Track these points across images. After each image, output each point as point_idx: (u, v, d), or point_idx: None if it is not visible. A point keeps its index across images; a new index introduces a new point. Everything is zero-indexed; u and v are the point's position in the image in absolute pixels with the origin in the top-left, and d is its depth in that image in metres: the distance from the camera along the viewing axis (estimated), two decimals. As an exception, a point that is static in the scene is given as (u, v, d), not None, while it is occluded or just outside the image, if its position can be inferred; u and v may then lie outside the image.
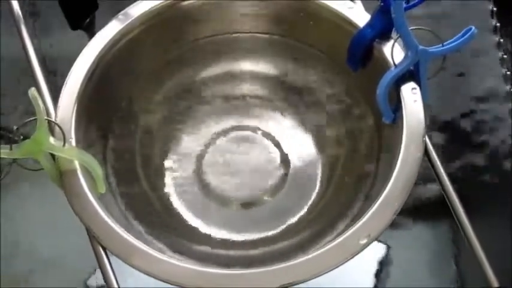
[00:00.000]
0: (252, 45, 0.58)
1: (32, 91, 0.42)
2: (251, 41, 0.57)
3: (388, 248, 0.60)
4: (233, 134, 0.57)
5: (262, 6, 0.56)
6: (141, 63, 0.55)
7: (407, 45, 0.47)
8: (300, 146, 0.56)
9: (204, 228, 0.53)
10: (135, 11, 0.53)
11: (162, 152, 0.56)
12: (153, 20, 0.54)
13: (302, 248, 0.49)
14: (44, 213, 0.61)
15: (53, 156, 0.45)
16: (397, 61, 0.48)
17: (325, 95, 0.57)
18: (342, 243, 0.43)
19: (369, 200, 0.48)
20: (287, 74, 0.58)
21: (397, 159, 0.45)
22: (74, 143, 0.47)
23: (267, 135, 0.57)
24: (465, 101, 0.67)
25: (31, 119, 0.43)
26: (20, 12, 0.55)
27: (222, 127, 0.57)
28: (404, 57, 0.47)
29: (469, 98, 0.67)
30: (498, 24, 0.70)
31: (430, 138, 0.48)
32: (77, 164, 0.46)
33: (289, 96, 0.58)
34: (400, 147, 0.46)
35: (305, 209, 0.53)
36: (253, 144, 0.57)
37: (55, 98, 0.49)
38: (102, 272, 0.44)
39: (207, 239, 0.52)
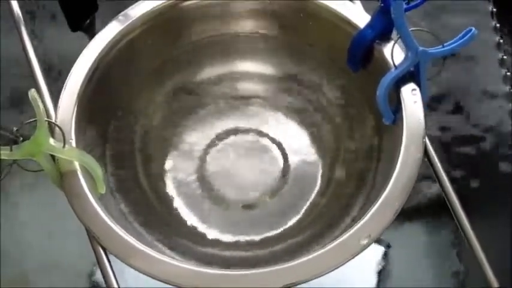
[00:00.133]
0: (253, 46, 0.58)
1: (32, 92, 0.42)
2: (252, 41, 0.57)
3: (389, 248, 0.60)
4: (233, 134, 0.57)
5: (262, 7, 0.56)
6: (141, 64, 0.55)
7: (407, 46, 0.47)
8: (300, 146, 0.56)
9: (204, 228, 0.53)
10: (135, 12, 0.53)
11: (162, 152, 0.56)
12: (153, 21, 0.54)
13: (303, 248, 0.49)
14: (44, 214, 0.61)
15: (53, 157, 0.45)
16: (397, 62, 0.48)
17: (325, 95, 0.57)
18: (342, 244, 0.43)
19: (369, 200, 0.48)
20: (287, 74, 0.58)
21: (397, 160, 0.45)
22: (74, 144, 0.47)
23: (267, 135, 0.57)
24: (465, 102, 0.67)
25: (31, 120, 0.43)
26: (19, 13, 0.55)
27: (223, 127, 0.57)
28: (405, 58, 0.48)
29: (469, 98, 0.67)
30: (498, 25, 0.70)
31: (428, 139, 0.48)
32: (77, 164, 0.46)
33: (289, 96, 0.58)
34: (400, 148, 0.46)
35: (305, 210, 0.53)
36: (254, 144, 0.57)
37: (55, 99, 0.49)
38: (102, 273, 0.44)
39: (207, 240, 0.52)
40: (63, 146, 0.45)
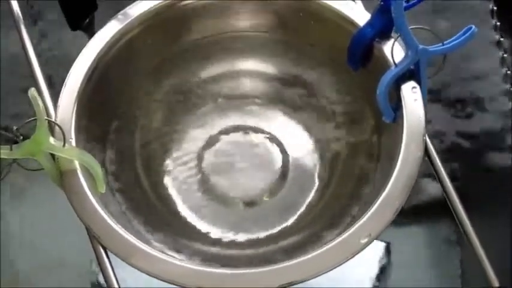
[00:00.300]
0: (252, 45, 0.58)
1: (32, 91, 0.42)
2: (251, 41, 0.57)
3: (389, 247, 0.60)
4: (233, 133, 0.57)
5: (262, 6, 0.56)
6: (140, 63, 0.55)
7: (407, 45, 0.47)
8: (300, 145, 0.56)
9: (204, 227, 0.53)
10: (134, 11, 0.53)
11: (162, 151, 0.56)
12: (153, 20, 0.54)
13: (302, 247, 0.49)
14: (45, 213, 0.61)
15: (53, 156, 0.45)
16: (397, 60, 0.48)
17: (326, 94, 0.57)
18: (342, 243, 0.43)
19: (369, 199, 0.48)
20: (287, 74, 0.58)
21: (398, 159, 0.45)
22: (74, 143, 0.47)
23: (267, 134, 0.57)
24: (465, 100, 0.67)
25: (31, 119, 0.43)
26: (19, 13, 0.55)
27: (222, 126, 0.57)
28: (405, 57, 0.48)
29: (468, 97, 0.67)
30: (498, 23, 0.70)
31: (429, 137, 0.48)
32: (77, 163, 0.46)
33: (289, 95, 0.58)
34: (401, 146, 0.46)
35: (305, 208, 0.53)
36: (254, 143, 0.57)
37: (55, 98, 0.49)
38: (102, 272, 0.44)
39: (207, 239, 0.52)
40: (63, 145, 0.45)
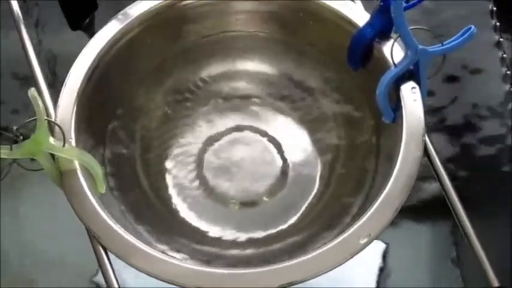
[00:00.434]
0: (252, 45, 0.58)
1: (32, 91, 0.42)
2: (251, 41, 0.57)
3: (388, 247, 0.60)
4: (233, 133, 0.57)
5: (261, 6, 0.56)
6: (140, 63, 0.55)
7: (406, 45, 0.47)
8: (299, 145, 0.56)
9: (204, 227, 0.53)
10: (134, 11, 0.53)
11: (162, 151, 0.56)
12: (153, 20, 0.54)
13: (302, 247, 0.49)
14: (44, 213, 0.61)
15: (52, 156, 0.45)
16: (396, 60, 0.48)
17: (325, 94, 0.57)
18: (342, 243, 0.43)
19: (369, 199, 0.48)
20: (287, 74, 0.58)
21: (397, 159, 0.45)
22: (73, 143, 0.47)
23: (267, 134, 0.57)
24: (464, 101, 0.67)
25: (31, 119, 0.43)
26: (19, 12, 0.55)
27: (222, 127, 0.57)
28: (404, 57, 0.48)
29: (468, 97, 0.67)
30: (498, 24, 0.70)
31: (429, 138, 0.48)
32: (76, 164, 0.46)
33: (289, 95, 0.58)
34: (400, 146, 0.46)
35: (305, 209, 0.53)
36: (253, 143, 0.57)
37: (55, 98, 0.49)
38: (102, 272, 0.44)
39: (206, 239, 0.52)
40: (63, 145, 0.45)
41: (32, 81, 0.51)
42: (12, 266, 0.59)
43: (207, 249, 0.51)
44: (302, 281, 0.42)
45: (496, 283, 0.43)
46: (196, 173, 0.55)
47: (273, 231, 0.53)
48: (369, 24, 0.50)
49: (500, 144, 0.64)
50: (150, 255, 0.43)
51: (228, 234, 0.53)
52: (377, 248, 0.59)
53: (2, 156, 0.43)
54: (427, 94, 0.49)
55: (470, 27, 0.46)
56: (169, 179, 0.55)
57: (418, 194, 0.61)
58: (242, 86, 0.59)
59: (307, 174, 0.55)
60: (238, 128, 0.57)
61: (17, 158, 0.43)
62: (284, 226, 0.53)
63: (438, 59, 0.48)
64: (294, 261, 0.42)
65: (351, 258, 0.42)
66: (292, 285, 0.42)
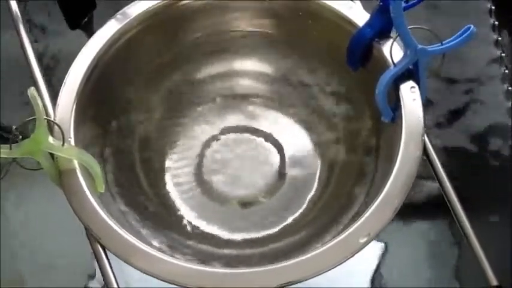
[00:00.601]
0: (251, 44, 0.58)
1: (31, 91, 0.42)
2: (250, 40, 0.57)
3: (387, 246, 0.60)
4: (232, 133, 0.57)
5: (261, 5, 0.56)
6: (139, 63, 0.55)
7: (406, 45, 0.47)
8: (298, 145, 0.56)
9: (203, 227, 0.53)
10: (133, 11, 0.53)
11: (161, 150, 0.56)
12: (152, 20, 0.54)
13: (301, 247, 0.49)
14: (44, 213, 0.61)
15: (52, 155, 0.45)
16: (396, 60, 0.48)
17: (325, 94, 0.57)
18: (341, 242, 0.43)
19: (368, 198, 0.48)
20: (286, 73, 0.58)
21: (397, 158, 0.45)
22: (73, 142, 0.47)
23: (266, 134, 0.57)
24: (463, 100, 0.67)
25: (30, 118, 0.43)
26: (18, 12, 0.55)
27: (221, 126, 0.57)
28: (403, 56, 0.48)
29: (467, 97, 0.67)
30: (497, 23, 0.70)
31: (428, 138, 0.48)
32: (76, 163, 0.46)
33: (288, 95, 0.58)
34: (399, 146, 0.46)
35: (304, 208, 0.53)
36: (252, 143, 0.57)
37: (54, 97, 0.49)
38: (101, 272, 0.44)
39: (206, 238, 0.52)
40: (62, 145, 0.45)
41: (31, 80, 0.50)
42: (12, 266, 0.59)
43: (206, 249, 0.51)
44: (301, 281, 0.42)
45: (494, 282, 0.43)
46: (196, 173, 0.55)
47: (272, 230, 0.53)
48: (368, 24, 0.50)
49: (499, 143, 0.64)
50: (150, 254, 0.43)
51: (227, 234, 0.53)
52: (376, 247, 0.59)
53: (2, 156, 0.43)
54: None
55: (470, 27, 0.46)
56: (168, 179, 0.55)
57: (417, 194, 0.61)
58: (241, 85, 0.59)
59: (306, 174, 0.55)
60: (237, 128, 0.57)
61: (16, 157, 0.43)
62: (283, 226, 0.53)
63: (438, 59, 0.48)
64: (293, 260, 0.42)
65: (350, 257, 0.42)
66: (292, 284, 0.42)
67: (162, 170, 0.55)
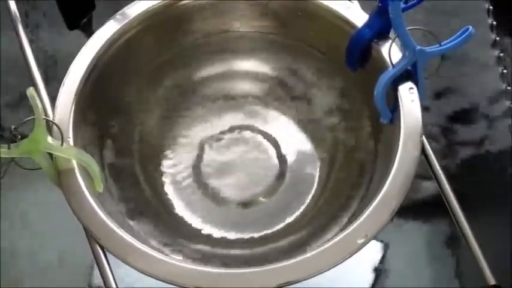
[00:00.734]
0: (250, 45, 0.58)
1: (30, 90, 0.42)
2: (249, 41, 0.58)
3: (386, 246, 0.60)
4: (231, 133, 0.57)
5: (260, 6, 0.56)
6: (139, 63, 0.55)
7: (405, 46, 0.47)
8: (297, 145, 0.56)
9: (202, 227, 0.53)
10: (132, 11, 0.53)
11: (160, 151, 0.56)
12: (151, 20, 0.54)
13: (299, 247, 0.49)
14: (43, 212, 0.61)
15: (50, 155, 0.45)
16: (394, 61, 0.48)
17: (324, 95, 0.57)
18: (339, 243, 0.43)
19: (367, 199, 0.48)
20: (285, 74, 0.58)
21: (395, 159, 0.45)
22: (71, 142, 0.47)
23: (265, 134, 0.57)
24: (462, 100, 0.67)
25: (29, 118, 0.43)
26: (17, 12, 0.55)
27: (220, 126, 0.57)
28: (402, 57, 0.48)
29: (466, 97, 0.67)
30: (495, 23, 0.70)
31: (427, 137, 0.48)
32: (74, 163, 0.46)
33: (287, 96, 0.58)
34: (398, 147, 0.46)
35: (302, 209, 0.54)
36: (252, 143, 0.57)
37: (53, 97, 0.49)
38: (100, 272, 0.44)
39: (205, 239, 0.52)
40: (61, 144, 0.45)
41: (30, 80, 0.50)
42: (11, 266, 0.59)
43: (204, 249, 0.51)
44: (299, 281, 0.42)
45: (492, 281, 0.43)
46: (195, 173, 0.56)
47: (271, 231, 0.53)
48: (367, 25, 0.50)
49: (498, 144, 0.64)
50: (148, 254, 0.43)
51: (226, 234, 0.53)
52: (375, 247, 0.59)
53: (1, 156, 0.43)
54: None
55: (468, 28, 0.46)
56: (167, 179, 0.55)
57: (416, 194, 0.61)
58: (240, 86, 0.59)
59: (305, 174, 0.55)
60: (237, 128, 0.57)
61: (15, 157, 0.43)
62: (282, 226, 0.53)
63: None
64: (292, 261, 0.42)
65: (348, 258, 0.42)
66: (290, 284, 0.42)
67: (161, 170, 0.55)
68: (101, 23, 0.53)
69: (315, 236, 0.50)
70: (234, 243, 0.52)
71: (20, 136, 0.43)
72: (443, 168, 0.47)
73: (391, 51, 0.48)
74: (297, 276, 0.42)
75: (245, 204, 0.54)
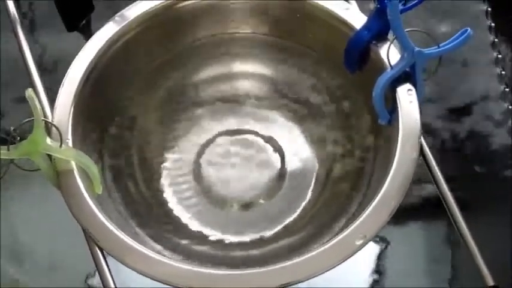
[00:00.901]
0: (249, 46, 0.58)
1: (29, 92, 0.42)
2: (248, 42, 0.58)
3: (385, 247, 0.60)
4: (230, 135, 0.57)
5: (259, 7, 0.56)
6: (138, 64, 0.55)
7: (403, 47, 0.47)
8: (297, 147, 0.56)
9: (201, 229, 0.53)
10: (131, 13, 0.54)
11: (159, 152, 0.56)
12: (150, 22, 0.54)
13: (299, 248, 0.49)
14: (42, 213, 0.61)
15: (49, 156, 0.45)
16: (393, 62, 0.48)
17: (322, 96, 0.57)
18: (338, 244, 0.43)
19: (365, 200, 0.49)
20: (284, 75, 0.58)
21: (393, 160, 0.45)
22: (70, 143, 0.47)
23: (264, 136, 0.57)
24: (461, 101, 0.67)
25: (28, 119, 0.43)
26: (16, 13, 0.55)
27: (219, 128, 0.57)
28: (400, 59, 0.48)
29: (464, 98, 0.67)
30: (493, 25, 0.70)
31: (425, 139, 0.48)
32: (73, 164, 0.46)
33: (286, 97, 0.58)
34: (396, 148, 0.46)
35: (302, 210, 0.53)
36: (250, 145, 0.57)
37: (52, 99, 0.49)
38: (99, 273, 0.44)
39: (204, 240, 0.52)
40: (60, 146, 0.45)
41: (29, 82, 0.51)
42: (10, 267, 0.59)
43: (203, 250, 0.51)
44: (298, 282, 0.42)
45: (491, 282, 0.43)
46: (193, 174, 0.55)
47: (270, 232, 0.53)
48: (365, 27, 0.50)
49: (497, 144, 0.64)
50: (147, 256, 0.43)
51: (226, 236, 0.53)
52: (374, 248, 0.59)
53: (0, 157, 0.43)
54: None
55: (467, 30, 0.46)
56: (166, 181, 0.55)
57: (415, 194, 0.61)
58: (239, 87, 0.59)
59: (304, 175, 0.55)
60: (236, 130, 0.57)
61: (14, 159, 0.43)
62: (281, 227, 0.53)
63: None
64: (291, 262, 0.42)
65: (348, 258, 0.42)
66: (290, 285, 0.42)
67: (160, 172, 0.55)
68: (100, 25, 0.53)
69: (315, 237, 0.50)
70: (233, 245, 0.52)
71: (19, 137, 0.43)
72: (441, 168, 0.47)
73: (390, 53, 0.48)
74: (296, 277, 0.42)
75: (245, 206, 0.54)
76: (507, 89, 0.67)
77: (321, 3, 0.53)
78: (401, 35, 0.46)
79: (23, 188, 0.62)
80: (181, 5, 0.55)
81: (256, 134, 0.57)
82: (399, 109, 0.48)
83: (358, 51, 0.50)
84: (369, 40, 0.50)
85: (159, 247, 0.49)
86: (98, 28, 0.53)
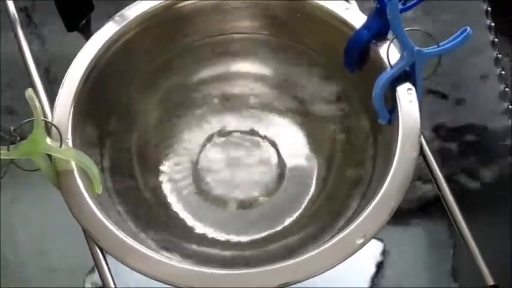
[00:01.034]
0: (249, 46, 0.58)
1: (29, 92, 0.42)
2: (248, 42, 0.58)
3: (385, 247, 0.60)
4: (230, 134, 0.57)
5: (258, 7, 0.56)
6: (137, 64, 0.55)
7: (403, 46, 0.47)
8: (296, 146, 0.56)
9: (201, 228, 0.53)
10: (131, 13, 0.54)
11: (159, 152, 0.56)
12: (149, 22, 0.54)
13: (299, 248, 0.49)
14: (42, 213, 0.61)
15: (49, 156, 0.45)
16: (392, 62, 0.48)
17: (322, 96, 0.57)
18: (337, 244, 0.43)
19: (365, 199, 0.49)
20: (284, 75, 0.58)
21: (393, 159, 0.45)
22: (70, 143, 0.47)
23: (264, 136, 0.57)
24: (460, 99, 0.67)
25: (28, 119, 0.43)
26: (15, 13, 0.55)
27: (219, 128, 0.57)
28: (400, 58, 0.48)
29: (464, 98, 0.67)
30: (493, 24, 0.70)
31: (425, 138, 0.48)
32: (73, 164, 0.46)
33: (285, 97, 0.58)
34: (396, 147, 0.46)
35: (301, 210, 0.54)
36: (250, 145, 0.57)
37: (52, 99, 0.49)
38: (99, 273, 0.44)
39: (204, 240, 0.52)
40: (60, 146, 0.45)
41: (29, 82, 0.51)
42: (10, 267, 0.59)
43: (205, 250, 0.51)
44: (298, 282, 0.42)
45: (491, 281, 0.43)
46: (193, 174, 0.56)
47: (270, 232, 0.53)
48: (365, 26, 0.50)
49: (497, 144, 0.64)
50: (147, 255, 0.43)
51: (226, 236, 0.53)
52: (374, 248, 0.59)
53: (0, 157, 0.43)
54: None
55: (466, 29, 0.46)
56: (166, 180, 0.55)
57: (416, 194, 0.61)
58: (239, 87, 0.59)
59: (304, 175, 0.55)
60: (236, 130, 0.57)
61: (14, 159, 0.43)
62: (281, 227, 0.53)
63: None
64: (291, 261, 0.42)
65: (347, 258, 0.42)
66: (289, 285, 0.42)
67: (159, 172, 0.55)
68: (100, 25, 0.53)
69: (314, 237, 0.50)
70: (233, 244, 0.52)
71: (19, 137, 0.43)
72: (441, 168, 0.47)
73: (389, 52, 0.48)
74: (296, 277, 0.42)
75: (245, 206, 0.54)
76: (507, 89, 0.67)
77: (321, 3, 0.53)
78: (401, 35, 0.46)
79: (23, 188, 0.62)
80: (181, 5, 0.55)
81: (256, 133, 0.57)
82: (399, 108, 0.48)
83: (358, 51, 0.50)
84: (369, 40, 0.50)
85: (158, 246, 0.49)
86: (98, 28, 0.53)
